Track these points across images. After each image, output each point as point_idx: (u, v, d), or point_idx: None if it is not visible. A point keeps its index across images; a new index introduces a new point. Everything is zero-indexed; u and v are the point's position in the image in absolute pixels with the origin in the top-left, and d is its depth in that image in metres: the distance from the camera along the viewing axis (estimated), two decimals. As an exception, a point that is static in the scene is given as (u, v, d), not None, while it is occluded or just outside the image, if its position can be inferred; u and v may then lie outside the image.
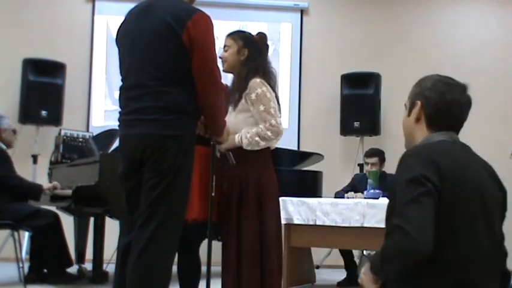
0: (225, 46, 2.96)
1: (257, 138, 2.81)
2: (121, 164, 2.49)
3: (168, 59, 2.35)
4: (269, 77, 2.93)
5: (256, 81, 2.83)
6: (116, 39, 2.55)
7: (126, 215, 2.50)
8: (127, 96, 2.43)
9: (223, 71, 2.94)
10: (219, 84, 2.45)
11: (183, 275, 2.94)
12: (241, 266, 2.79)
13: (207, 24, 2.39)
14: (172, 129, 2.35)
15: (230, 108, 2.91)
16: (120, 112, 2.49)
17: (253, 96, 2.81)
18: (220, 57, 2.92)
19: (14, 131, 4.84)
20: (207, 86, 2.39)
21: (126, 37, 2.48)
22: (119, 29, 2.56)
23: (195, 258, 2.92)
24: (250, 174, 2.84)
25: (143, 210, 2.35)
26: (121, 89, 2.48)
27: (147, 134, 2.35)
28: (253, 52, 2.90)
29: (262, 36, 3.02)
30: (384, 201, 4.33)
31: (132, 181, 2.44)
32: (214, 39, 2.43)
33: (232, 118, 2.88)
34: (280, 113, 2.96)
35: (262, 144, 2.83)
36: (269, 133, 2.80)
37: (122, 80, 2.50)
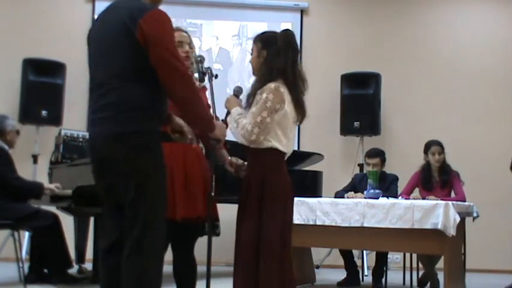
0: (252, 50, 2.98)
1: (235, 125, 2.83)
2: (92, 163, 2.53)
3: (125, 58, 2.37)
4: (287, 77, 2.85)
5: (270, 86, 2.81)
6: (87, 40, 2.59)
7: (106, 214, 2.50)
8: (92, 95, 2.47)
9: (253, 74, 2.95)
10: (183, 76, 2.39)
11: (180, 274, 2.93)
12: (238, 265, 2.81)
13: (161, 20, 2.38)
14: (130, 126, 2.34)
15: (247, 110, 2.91)
16: None
17: (258, 97, 2.82)
18: (250, 62, 2.97)
19: (18, 132, 4.86)
20: (169, 78, 2.36)
21: (93, 39, 2.54)
22: (89, 31, 2.60)
23: (190, 257, 2.92)
24: (255, 174, 2.85)
25: (126, 213, 2.36)
26: (90, 89, 2.51)
27: (106, 131, 2.36)
28: (270, 53, 2.87)
29: (285, 34, 2.93)
30: (384, 201, 4.33)
31: (104, 180, 2.46)
32: (170, 33, 2.40)
33: None
34: (301, 116, 2.91)
35: (233, 131, 2.84)
36: (242, 132, 2.80)
37: (90, 81, 2.53)
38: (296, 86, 2.87)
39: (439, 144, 5.07)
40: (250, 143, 2.82)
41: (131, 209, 2.34)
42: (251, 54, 2.97)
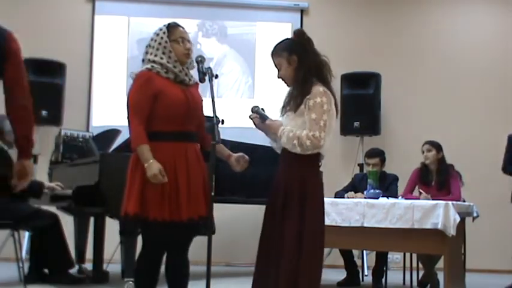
0: (276, 67, 2.95)
1: (295, 142, 2.79)
2: None
3: None
4: (324, 73, 2.91)
5: (319, 89, 2.82)
6: None
7: None
8: None
9: (288, 86, 2.94)
10: (30, 100, 2.50)
11: (174, 276, 2.91)
12: (280, 266, 2.79)
13: (18, 43, 2.50)
14: None
15: (289, 112, 2.89)
16: None
17: (311, 102, 2.80)
18: (279, 77, 2.93)
19: None
20: (21, 95, 2.46)
21: None
22: None
23: (185, 258, 2.92)
24: (294, 177, 2.85)
25: None
26: None
27: None
28: (300, 54, 2.90)
29: (298, 33, 3.00)
30: (384, 201, 4.33)
31: None
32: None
33: (292, 122, 2.86)
34: (337, 113, 2.92)
35: (298, 149, 2.80)
36: (308, 142, 2.78)
37: None
38: (329, 84, 2.90)
39: (427, 142, 5.09)
40: (319, 149, 2.81)
41: None
42: (279, 69, 2.93)
